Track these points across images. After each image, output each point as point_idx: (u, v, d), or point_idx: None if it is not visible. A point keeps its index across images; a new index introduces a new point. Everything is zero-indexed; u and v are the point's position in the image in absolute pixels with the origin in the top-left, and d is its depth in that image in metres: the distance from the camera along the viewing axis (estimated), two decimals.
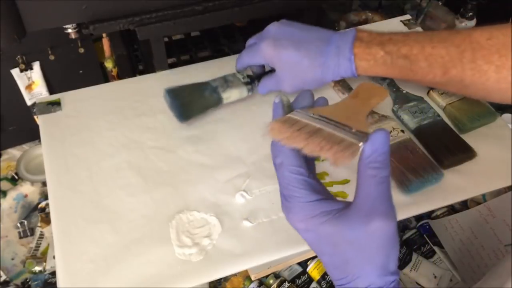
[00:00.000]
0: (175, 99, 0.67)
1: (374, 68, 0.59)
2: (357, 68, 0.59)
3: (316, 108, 0.45)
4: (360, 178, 0.39)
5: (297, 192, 0.41)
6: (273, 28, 0.63)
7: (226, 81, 0.69)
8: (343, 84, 0.73)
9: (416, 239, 0.75)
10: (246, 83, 0.69)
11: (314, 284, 0.70)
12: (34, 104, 0.72)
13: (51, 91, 0.82)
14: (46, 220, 0.76)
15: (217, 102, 0.68)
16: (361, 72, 0.60)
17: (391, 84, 0.73)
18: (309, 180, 0.41)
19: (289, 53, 0.61)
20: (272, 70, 0.67)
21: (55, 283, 0.68)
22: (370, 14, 1.04)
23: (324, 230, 0.40)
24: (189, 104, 0.67)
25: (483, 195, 0.76)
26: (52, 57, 0.78)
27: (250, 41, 0.68)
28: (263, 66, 0.69)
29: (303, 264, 0.71)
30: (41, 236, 0.75)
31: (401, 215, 0.60)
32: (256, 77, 0.70)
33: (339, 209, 0.40)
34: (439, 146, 0.65)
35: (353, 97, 0.50)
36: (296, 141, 0.41)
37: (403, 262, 0.71)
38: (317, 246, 0.41)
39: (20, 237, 0.76)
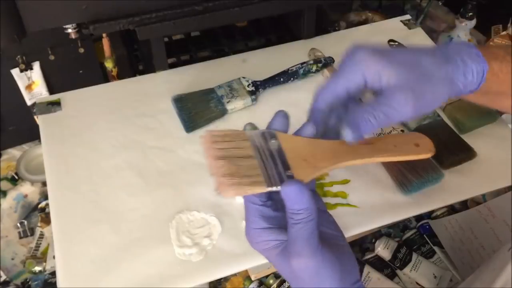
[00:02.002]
0: (181, 110, 0.69)
1: (503, 70, 0.48)
2: (488, 69, 0.46)
3: (285, 136, 0.44)
4: (289, 228, 0.41)
5: (250, 218, 0.44)
6: (359, 45, 0.46)
7: (232, 90, 0.70)
8: None
9: (416, 239, 0.75)
10: (251, 92, 0.70)
11: None
12: (34, 104, 0.72)
13: (51, 91, 0.82)
14: (46, 220, 0.76)
15: (222, 113, 0.69)
16: (491, 75, 0.47)
17: None
18: (262, 209, 0.43)
19: (401, 55, 0.45)
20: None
21: (55, 283, 0.68)
22: (370, 14, 1.04)
23: (274, 259, 0.43)
24: (195, 116, 0.68)
25: (483, 195, 0.76)
26: (52, 57, 0.78)
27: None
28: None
29: None
30: (41, 236, 0.75)
31: (401, 215, 0.60)
32: (263, 82, 0.69)
33: (283, 241, 0.43)
34: (439, 146, 0.64)
35: (341, 144, 0.45)
36: (209, 155, 0.41)
37: (403, 262, 0.71)
38: (275, 268, 0.45)
39: (20, 237, 0.76)
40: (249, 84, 0.71)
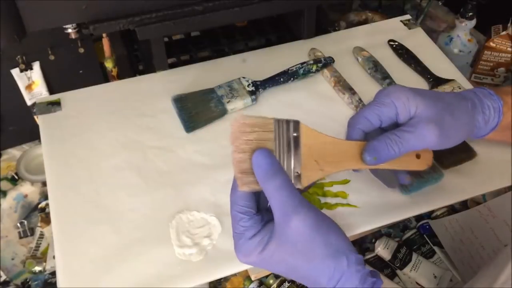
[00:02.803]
0: (181, 110, 0.69)
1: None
2: (504, 104, 0.52)
3: (307, 131, 0.45)
4: (266, 195, 0.42)
5: (240, 229, 0.45)
6: (394, 87, 0.51)
7: (232, 90, 0.70)
8: (343, 83, 0.73)
9: (416, 239, 0.75)
10: (251, 92, 0.70)
11: None
12: (34, 104, 0.72)
13: (51, 91, 0.82)
14: (46, 220, 0.76)
15: (222, 113, 0.69)
16: (507, 109, 0.52)
17: (391, 84, 0.73)
18: (253, 217, 0.44)
19: (429, 92, 0.49)
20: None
21: (55, 283, 0.68)
22: (370, 14, 1.04)
23: (266, 255, 0.43)
24: (195, 116, 0.68)
25: (483, 195, 0.76)
26: (52, 57, 0.78)
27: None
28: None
29: None
30: (41, 236, 0.75)
31: (401, 215, 0.60)
32: (263, 82, 0.68)
33: (269, 232, 0.43)
34: None
35: (352, 147, 0.48)
36: (234, 147, 0.43)
37: (403, 262, 0.71)
38: (272, 270, 0.45)
39: (20, 237, 0.76)
40: (249, 84, 0.71)
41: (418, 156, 0.51)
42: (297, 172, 0.43)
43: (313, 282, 0.42)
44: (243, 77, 0.72)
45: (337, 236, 0.42)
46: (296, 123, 0.44)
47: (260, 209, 0.46)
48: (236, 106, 0.69)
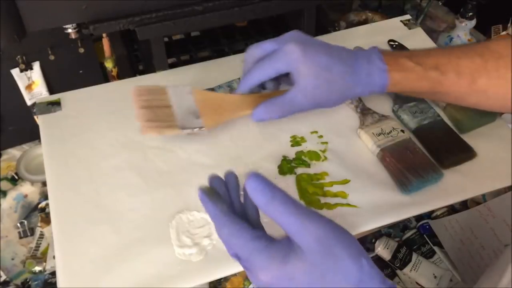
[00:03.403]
0: None
1: (406, 80, 0.56)
2: (389, 80, 0.55)
3: (199, 91, 0.56)
4: (271, 217, 0.40)
5: (245, 251, 0.41)
6: (295, 33, 0.57)
7: (232, 90, 0.70)
8: None
9: (416, 239, 0.75)
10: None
11: None
12: (34, 104, 0.72)
13: (51, 91, 0.82)
14: (46, 220, 0.76)
15: None
16: (392, 86, 0.56)
17: None
18: (261, 235, 0.42)
19: (320, 57, 0.54)
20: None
21: (55, 283, 0.68)
22: (370, 14, 1.04)
23: (289, 268, 0.39)
24: None
25: (483, 195, 0.76)
26: (52, 57, 0.78)
27: (258, 49, 0.58)
28: (276, 83, 0.61)
29: None
30: (41, 236, 0.75)
31: (401, 215, 0.60)
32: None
33: (281, 244, 0.41)
34: (439, 146, 0.65)
35: (245, 97, 0.57)
36: (136, 106, 0.54)
37: (403, 262, 0.71)
38: (295, 283, 0.40)
39: (20, 237, 0.76)
40: None
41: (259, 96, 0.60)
42: (198, 117, 0.54)
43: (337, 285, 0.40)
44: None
45: (352, 240, 0.42)
46: (188, 89, 0.56)
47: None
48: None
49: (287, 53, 0.54)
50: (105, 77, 0.85)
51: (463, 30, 0.90)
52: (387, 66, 0.55)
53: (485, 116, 0.68)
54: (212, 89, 0.71)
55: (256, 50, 0.57)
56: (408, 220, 0.78)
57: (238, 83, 0.70)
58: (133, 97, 0.54)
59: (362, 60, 0.56)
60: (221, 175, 0.63)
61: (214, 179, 0.47)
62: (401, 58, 0.56)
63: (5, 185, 0.82)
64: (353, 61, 0.55)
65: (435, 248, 0.73)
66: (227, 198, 0.46)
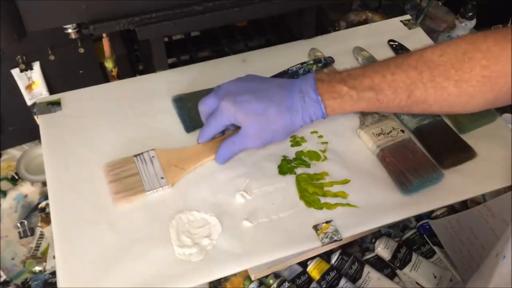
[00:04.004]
0: (181, 110, 0.69)
1: (342, 106, 0.58)
2: (326, 108, 0.58)
3: (161, 152, 0.63)
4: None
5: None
6: (229, 85, 0.61)
7: None
8: None
9: (416, 239, 0.75)
10: None
11: (314, 284, 0.70)
12: (34, 104, 0.72)
13: (51, 91, 0.82)
14: (46, 220, 0.76)
15: None
16: (330, 112, 0.58)
17: None
18: None
19: (252, 105, 0.58)
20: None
21: (55, 283, 0.68)
22: (370, 14, 1.04)
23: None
24: (195, 116, 0.67)
25: (483, 195, 0.76)
26: (52, 57, 0.78)
27: (205, 106, 0.62)
28: (232, 125, 0.64)
29: (303, 264, 0.71)
30: (41, 236, 0.75)
31: (401, 215, 0.60)
32: None
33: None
34: (439, 146, 0.65)
35: (202, 146, 0.64)
36: (107, 181, 0.61)
37: (403, 262, 0.71)
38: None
39: (20, 237, 0.76)
40: None
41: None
42: (162, 177, 0.61)
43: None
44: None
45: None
46: (151, 153, 0.63)
47: None
48: None
49: (223, 111, 0.59)
50: (105, 77, 0.85)
51: (463, 30, 0.90)
52: (319, 96, 0.57)
53: (485, 116, 0.68)
54: (212, 90, 0.71)
55: (204, 107, 0.62)
56: (408, 220, 0.78)
57: None
58: (104, 173, 0.61)
59: (296, 95, 0.58)
60: (221, 175, 0.63)
61: None
62: (336, 84, 0.57)
63: (5, 185, 0.82)
64: (287, 100, 0.58)
65: (435, 248, 0.73)
66: None
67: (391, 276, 0.71)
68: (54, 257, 0.62)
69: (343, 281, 0.69)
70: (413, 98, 0.55)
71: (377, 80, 0.56)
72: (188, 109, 0.69)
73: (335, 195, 0.61)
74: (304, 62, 0.75)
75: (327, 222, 0.58)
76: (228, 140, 0.61)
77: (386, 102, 0.56)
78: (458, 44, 0.53)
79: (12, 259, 0.73)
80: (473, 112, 0.67)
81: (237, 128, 0.62)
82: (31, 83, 0.80)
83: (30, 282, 0.71)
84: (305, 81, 0.59)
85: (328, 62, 0.76)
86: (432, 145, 0.65)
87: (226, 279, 0.70)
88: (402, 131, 0.65)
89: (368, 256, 0.73)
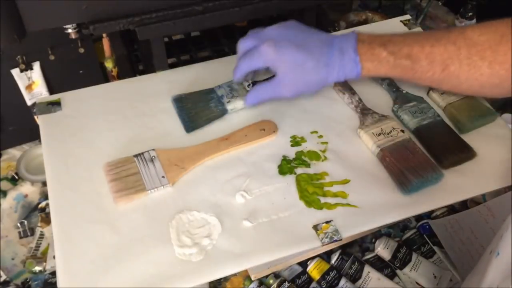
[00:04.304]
0: (181, 110, 0.69)
1: (377, 69, 0.60)
2: (362, 69, 0.60)
3: (162, 151, 0.63)
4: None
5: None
6: (271, 30, 0.62)
7: (232, 90, 0.70)
8: (343, 83, 0.73)
9: (416, 239, 0.75)
10: None
11: (314, 284, 0.70)
12: (34, 104, 0.72)
13: (51, 91, 0.82)
14: (46, 220, 0.76)
15: (222, 113, 0.69)
16: (365, 73, 0.60)
17: (391, 84, 0.73)
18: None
19: (292, 54, 0.59)
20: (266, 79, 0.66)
21: (55, 283, 0.68)
22: (370, 14, 1.04)
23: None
24: (195, 116, 0.68)
25: (483, 195, 0.76)
26: (52, 57, 0.78)
27: (243, 45, 0.64)
28: (266, 72, 0.67)
29: (303, 264, 0.71)
30: (41, 236, 0.75)
31: (401, 215, 0.60)
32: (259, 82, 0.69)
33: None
34: (439, 146, 0.65)
35: (203, 145, 0.65)
36: (107, 180, 0.60)
37: (403, 262, 0.71)
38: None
39: (20, 237, 0.76)
40: (249, 85, 0.71)
41: (263, 129, 0.67)
42: (163, 176, 0.61)
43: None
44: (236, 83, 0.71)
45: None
46: (152, 150, 0.63)
47: None
48: (236, 106, 0.69)
49: (262, 54, 0.60)
50: (105, 77, 0.85)
51: None
52: (359, 56, 0.59)
53: (485, 116, 0.68)
54: (212, 89, 0.71)
55: (243, 46, 0.63)
56: (408, 220, 0.78)
57: (238, 83, 0.70)
58: (104, 173, 0.61)
59: (335, 52, 0.60)
60: (221, 175, 0.63)
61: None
62: (376, 47, 0.59)
63: (5, 185, 0.82)
64: (326, 56, 0.60)
65: (435, 248, 0.73)
66: None
67: (391, 276, 0.71)
68: (54, 257, 0.62)
69: (343, 281, 0.69)
70: (447, 72, 0.57)
71: (415, 49, 0.58)
72: (188, 109, 0.69)
73: (335, 195, 0.61)
74: None
75: (327, 222, 0.58)
76: (261, 85, 0.64)
77: (420, 72, 0.58)
78: (498, 26, 0.56)
79: (12, 259, 0.73)
80: (472, 112, 0.67)
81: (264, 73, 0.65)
82: (31, 83, 0.80)
83: (30, 282, 0.71)
84: (346, 39, 0.60)
85: None
86: (432, 145, 0.65)
87: (226, 279, 0.70)
88: (402, 131, 0.65)
89: (368, 256, 0.73)
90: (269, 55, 0.60)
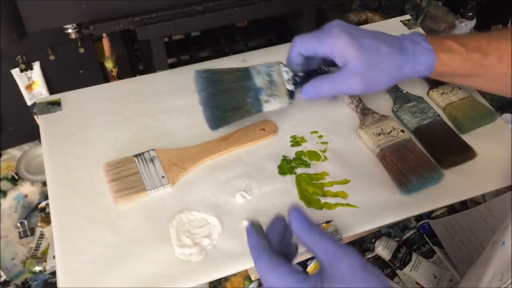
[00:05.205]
0: (212, 100, 0.58)
1: (450, 61, 0.57)
2: (436, 60, 0.56)
3: (162, 150, 0.63)
4: (311, 248, 0.42)
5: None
6: (338, 22, 0.57)
7: (271, 82, 0.59)
8: None
9: (416, 239, 0.75)
10: (290, 93, 0.60)
11: None
12: (34, 104, 0.72)
13: (51, 91, 0.82)
14: (46, 220, 0.76)
15: (255, 114, 0.62)
16: (439, 66, 0.57)
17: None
18: (298, 276, 0.42)
19: (367, 39, 0.55)
20: (323, 72, 0.59)
21: (55, 283, 0.68)
22: (370, 14, 1.04)
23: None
24: (228, 112, 0.59)
25: (483, 195, 0.76)
26: (52, 57, 0.78)
27: (302, 39, 0.57)
28: (319, 63, 0.60)
29: (303, 264, 0.71)
30: (41, 236, 0.75)
31: (401, 215, 0.60)
32: (303, 79, 0.59)
33: (315, 275, 0.41)
34: (439, 146, 0.65)
35: (204, 145, 0.64)
36: (107, 180, 0.60)
37: (403, 262, 0.71)
38: None
39: (20, 237, 0.76)
40: (289, 79, 0.60)
41: (263, 129, 0.66)
42: (163, 176, 0.60)
43: None
44: (283, 65, 0.60)
45: (380, 277, 0.41)
46: (152, 150, 0.62)
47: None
48: (273, 108, 0.60)
49: (333, 35, 0.54)
50: (105, 77, 0.85)
51: (463, 30, 0.90)
52: (432, 46, 0.56)
53: (485, 116, 0.68)
54: (248, 72, 0.60)
55: (300, 45, 0.57)
56: (408, 220, 0.78)
57: (278, 74, 0.60)
58: (104, 173, 0.61)
59: (406, 42, 0.57)
60: (221, 175, 0.63)
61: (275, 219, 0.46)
62: (445, 40, 0.57)
63: (5, 185, 0.82)
64: (399, 43, 0.56)
65: (435, 248, 0.73)
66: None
67: (391, 276, 0.71)
68: (54, 257, 0.62)
69: None
70: None
71: (483, 43, 0.57)
72: (223, 100, 0.57)
73: (335, 195, 0.61)
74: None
75: (327, 222, 0.58)
76: (322, 78, 0.57)
77: (488, 67, 0.57)
78: None
79: (12, 259, 0.73)
80: (472, 112, 0.67)
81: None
82: (31, 83, 0.80)
83: (30, 282, 0.71)
84: (413, 35, 0.58)
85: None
86: (432, 145, 0.65)
87: (226, 279, 0.70)
88: (402, 131, 0.65)
89: (368, 256, 0.73)
90: (342, 38, 0.54)
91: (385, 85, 0.57)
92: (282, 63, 0.60)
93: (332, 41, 0.55)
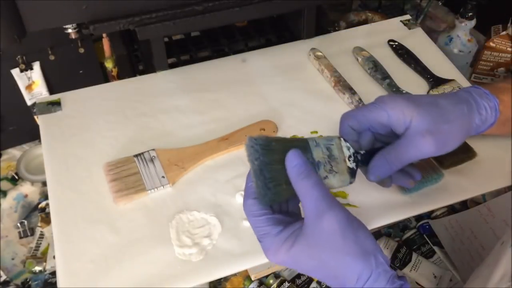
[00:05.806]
0: (268, 181, 0.47)
1: (509, 101, 0.54)
2: (500, 102, 0.53)
3: (162, 150, 0.63)
4: (299, 193, 0.44)
5: (263, 230, 0.45)
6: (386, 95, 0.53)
7: (331, 157, 0.50)
8: (343, 83, 0.73)
9: (416, 239, 0.75)
10: (351, 172, 0.51)
11: (314, 284, 0.70)
12: (34, 104, 0.72)
13: (51, 91, 0.82)
14: (46, 220, 0.76)
15: None
16: (502, 106, 0.53)
17: (391, 84, 0.73)
18: (272, 216, 0.45)
19: (423, 97, 0.50)
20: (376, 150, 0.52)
21: (55, 283, 0.68)
22: (370, 14, 1.04)
23: (295, 252, 0.43)
24: (282, 189, 0.47)
25: (483, 195, 0.76)
26: (52, 57, 0.78)
27: (350, 118, 0.52)
28: (371, 141, 0.53)
29: None
30: (41, 236, 0.75)
31: (401, 215, 0.60)
32: (364, 156, 0.52)
33: (297, 229, 0.44)
34: None
35: (204, 145, 0.64)
36: (107, 180, 0.61)
37: (403, 262, 0.71)
38: (300, 268, 0.44)
39: (20, 237, 0.76)
40: (350, 156, 0.51)
41: (263, 129, 0.67)
42: (163, 176, 0.61)
43: (341, 281, 0.42)
44: (344, 140, 0.51)
45: (365, 235, 0.43)
46: (152, 152, 0.63)
47: (276, 212, 0.47)
48: (332, 185, 0.50)
49: (387, 101, 0.50)
50: (105, 77, 0.85)
51: (463, 30, 0.90)
52: (487, 90, 0.53)
53: None
54: (307, 144, 0.50)
55: (351, 118, 0.52)
56: (408, 220, 0.77)
57: (338, 148, 0.51)
58: (104, 173, 0.61)
59: (461, 92, 0.53)
60: (221, 175, 0.63)
61: None
62: (496, 84, 0.55)
63: (5, 185, 0.81)
64: (453, 95, 0.53)
65: (435, 248, 0.73)
66: None
67: None
68: (54, 257, 0.62)
69: None
70: None
71: None
72: (277, 174, 0.47)
73: (335, 195, 0.61)
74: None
75: None
76: (390, 148, 0.50)
77: None
78: None
79: (12, 259, 0.73)
80: None
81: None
82: (31, 83, 0.80)
83: (30, 282, 0.71)
84: (463, 88, 0.55)
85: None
86: None
87: (226, 279, 0.70)
88: None
89: None
90: (396, 102, 0.49)
91: (459, 137, 0.50)
92: (343, 138, 0.52)
93: (386, 106, 0.49)
